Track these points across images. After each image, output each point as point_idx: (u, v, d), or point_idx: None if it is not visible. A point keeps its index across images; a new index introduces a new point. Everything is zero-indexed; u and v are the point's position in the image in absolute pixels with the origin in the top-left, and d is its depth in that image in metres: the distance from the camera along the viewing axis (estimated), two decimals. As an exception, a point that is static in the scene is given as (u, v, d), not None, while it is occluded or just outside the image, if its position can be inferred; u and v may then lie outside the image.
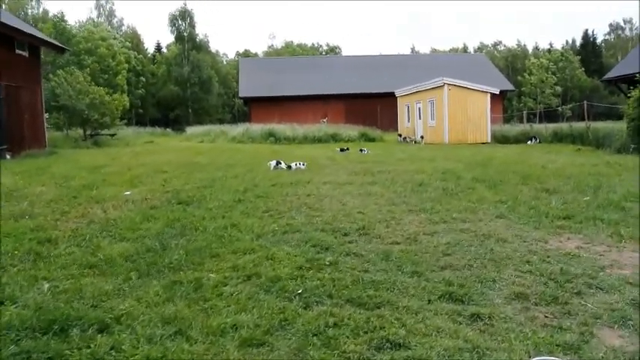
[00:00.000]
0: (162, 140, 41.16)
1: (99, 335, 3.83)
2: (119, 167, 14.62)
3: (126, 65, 53.68)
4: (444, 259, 5.14)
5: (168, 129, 55.40)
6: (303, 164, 13.60)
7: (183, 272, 5.18)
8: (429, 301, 4.11)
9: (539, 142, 26.55)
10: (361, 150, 20.76)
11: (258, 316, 3.95)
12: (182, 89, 62.47)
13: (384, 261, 5.14)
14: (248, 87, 48.08)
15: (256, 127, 36.20)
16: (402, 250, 5.44)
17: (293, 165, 13.59)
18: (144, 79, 63.61)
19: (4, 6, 47.76)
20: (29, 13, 54.35)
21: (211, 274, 5.02)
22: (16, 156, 20.36)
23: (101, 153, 23.02)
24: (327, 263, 5.12)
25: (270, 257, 5.42)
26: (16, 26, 20.72)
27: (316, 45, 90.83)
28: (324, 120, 43.25)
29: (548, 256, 5.19)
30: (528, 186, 9.46)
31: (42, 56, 42.85)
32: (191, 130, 44.76)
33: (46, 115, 31.69)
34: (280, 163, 13.73)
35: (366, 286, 4.47)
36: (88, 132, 31.96)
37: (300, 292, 4.38)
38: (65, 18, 50.03)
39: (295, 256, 5.41)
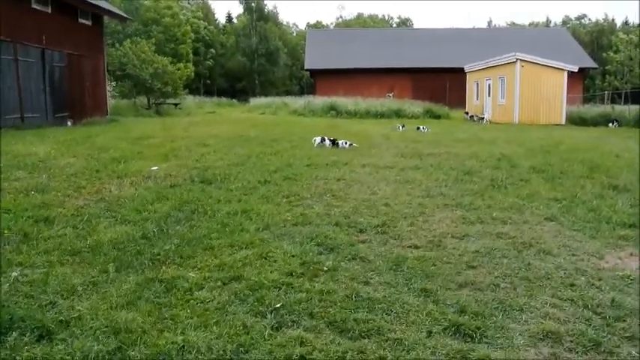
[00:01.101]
0: (225, 111, 41.43)
1: (36, 344, 3.30)
2: (164, 138, 14.37)
3: (192, 35, 53.86)
4: (466, 274, 4.23)
5: (234, 99, 55.75)
6: (349, 143, 12.75)
7: (165, 267, 4.60)
8: (430, 333, 3.26)
9: (620, 125, 24.17)
10: (419, 128, 19.58)
11: (217, 336, 3.27)
12: (249, 60, 62.37)
13: (393, 271, 4.30)
14: (314, 59, 47.05)
15: (319, 100, 35.49)
16: (419, 258, 4.56)
17: (340, 142, 12.79)
18: (213, 50, 63.96)
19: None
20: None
21: (191, 274, 4.39)
22: (77, 123, 20.79)
23: (158, 122, 23.13)
24: (325, 269, 4.35)
25: (265, 256, 4.72)
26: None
27: (387, 17, 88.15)
28: (390, 95, 41.81)
29: (600, 279, 4.15)
30: (594, 180, 8.17)
31: (110, 25, 43.99)
32: (255, 101, 44.62)
33: (113, 84, 32.48)
34: (325, 140, 12.95)
35: (359, 304, 3.66)
36: (152, 101, 32.41)
37: (278, 306, 3.65)
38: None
39: (293, 256, 4.67)
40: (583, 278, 4.15)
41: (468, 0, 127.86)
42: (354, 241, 5.07)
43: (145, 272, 4.48)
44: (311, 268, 4.37)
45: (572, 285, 4.01)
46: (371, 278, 4.16)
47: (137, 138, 14.20)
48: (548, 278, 4.14)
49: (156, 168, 9.28)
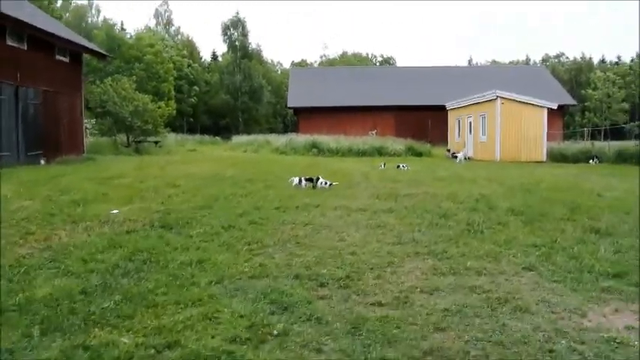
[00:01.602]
0: (206, 149, 41.02)
1: None
2: (134, 178, 13.86)
3: (175, 73, 53.99)
4: (433, 338, 3.74)
5: (217, 137, 55.53)
6: (328, 183, 12.35)
7: (98, 329, 4.06)
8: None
9: (601, 161, 24.14)
10: (399, 166, 19.35)
11: None
12: (233, 97, 62.54)
13: (351, 335, 3.80)
14: (297, 97, 47.29)
15: (301, 138, 35.45)
16: (382, 318, 4.07)
17: (320, 182, 12.39)
18: (197, 88, 64.14)
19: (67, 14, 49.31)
20: (89, 22, 55.98)
21: (124, 339, 3.85)
22: (50, 161, 20.20)
23: (135, 161, 22.62)
24: (275, 333, 3.84)
25: (211, 316, 4.20)
26: (54, 32, 20.61)
27: (371, 56, 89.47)
28: (373, 132, 41.88)
29: (583, 342, 3.68)
30: (575, 222, 7.79)
31: (91, 62, 43.70)
32: (237, 139, 44.51)
33: (92, 121, 32.04)
34: (302, 181, 12.57)
35: (306, 380, 3.15)
36: (132, 138, 31.95)
37: (212, 384, 3.13)
38: (116, 24, 51.12)
39: (241, 316, 4.15)
40: (564, 342, 3.68)
41: (450, 39, 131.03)
42: (312, 298, 4.57)
43: (73, 336, 3.93)
44: (259, 332, 3.85)
45: (551, 351, 3.54)
46: (325, 344, 3.66)
47: (107, 178, 13.67)
48: (525, 342, 3.67)
49: (116, 211, 8.75)
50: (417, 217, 8.19)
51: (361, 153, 31.08)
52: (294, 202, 9.84)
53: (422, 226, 7.47)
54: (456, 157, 25.33)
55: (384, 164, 20.33)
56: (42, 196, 10.09)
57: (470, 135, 30.64)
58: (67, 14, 54.53)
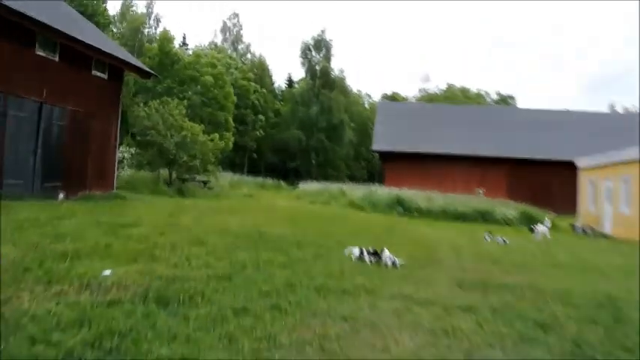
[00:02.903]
0: (266, 195, 41.35)
1: None
2: (153, 228, 13.74)
3: (235, 98, 55.26)
4: None
5: (282, 181, 55.94)
6: (391, 260, 11.60)
7: None
8: None
9: None
10: (504, 241, 18.63)
11: None
12: (307, 134, 63.14)
13: None
14: (385, 138, 46.91)
15: (383, 192, 34.85)
16: None
17: (385, 257, 11.68)
18: (263, 118, 65.42)
19: (117, 26, 52.46)
20: (145, 33, 59.02)
21: None
22: (70, 196, 20.76)
23: (169, 204, 22.87)
24: None
25: None
26: (92, 43, 21.58)
27: (484, 92, 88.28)
28: (480, 191, 40.57)
29: None
30: None
31: (139, 81, 45.89)
32: (307, 185, 44.52)
33: (132, 150, 33.10)
34: (363, 253, 11.91)
35: None
36: (175, 176, 32.64)
37: None
38: (175, 38, 53.28)
39: None
40: None
41: (586, 76, 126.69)
42: None
43: None
44: None
45: None
46: None
47: (121, 225, 13.63)
48: None
49: (108, 273, 8.43)
50: (504, 325, 7.22)
51: (459, 217, 30.07)
52: (342, 283, 9.18)
53: (507, 341, 6.51)
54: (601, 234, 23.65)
55: (490, 235, 19.73)
56: (29, 242, 10.04)
57: (608, 204, 28.71)
58: (123, 23, 57.83)
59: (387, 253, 11.73)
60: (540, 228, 22.71)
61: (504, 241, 18.84)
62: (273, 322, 6.73)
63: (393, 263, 11.51)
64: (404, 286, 9.31)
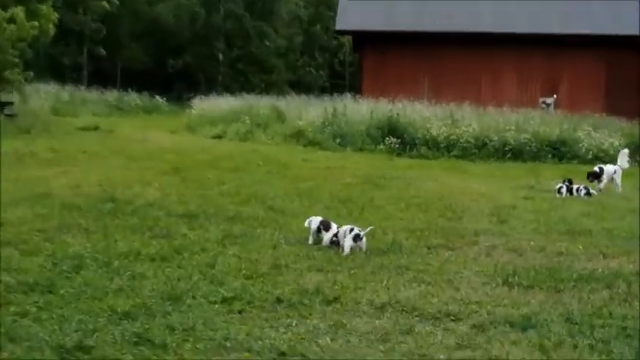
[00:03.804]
0: (129, 125, 25.78)
1: None
2: None
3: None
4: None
5: (160, 98, 35.73)
6: (357, 235, 6.81)
7: None
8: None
9: None
10: (587, 192, 11.79)
11: None
12: (206, 4, 39.49)
13: None
14: (361, 8, 25.86)
15: (359, 109, 21.26)
16: None
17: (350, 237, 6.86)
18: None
19: None
20: None
21: None
22: None
23: None
24: None
25: None
26: None
27: None
28: (549, 101, 24.81)
29: None
30: None
31: None
32: (205, 104, 27.24)
33: None
34: (330, 230, 7.02)
35: None
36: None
37: None
38: None
39: None
40: None
41: None
42: None
43: None
44: None
45: None
46: None
47: None
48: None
49: None
50: None
51: (510, 154, 18.36)
52: (280, 285, 5.63)
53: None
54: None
55: (568, 185, 11.85)
56: None
57: None
58: None
59: (354, 230, 6.90)
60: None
61: (587, 191, 11.65)
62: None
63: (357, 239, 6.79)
64: (405, 289, 5.65)
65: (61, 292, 5.04)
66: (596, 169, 12.90)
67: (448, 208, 9.81)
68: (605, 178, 12.59)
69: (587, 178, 12.66)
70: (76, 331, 4.26)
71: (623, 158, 13.36)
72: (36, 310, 4.60)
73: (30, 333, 4.19)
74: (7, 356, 3.85)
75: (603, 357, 4.24)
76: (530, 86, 25.32)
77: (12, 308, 4.60)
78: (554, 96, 24.74)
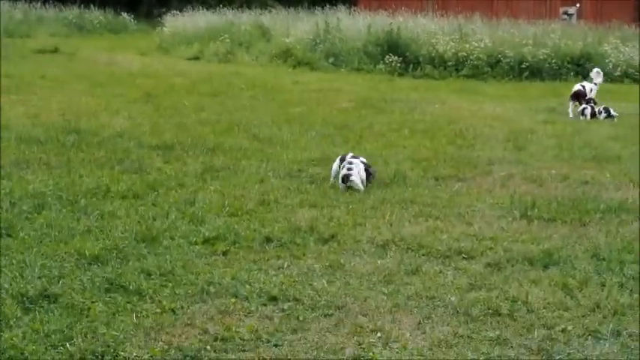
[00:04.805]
0: (93, 46, 23.92)
1: None
2: None
3: None
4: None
5: (127, 15, 32.61)
6: (355, 173, 6.49)
7: None
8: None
9: None
10: (609, 114, 11.40)
11: None
12: None
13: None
14: None
15: (355, 24, 20.25)
16: None
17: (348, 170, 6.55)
18: None
19: None
20: None
21: None
22: None
23: None
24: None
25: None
26: None
27: None
28: (572, 10, 23.02)
29: None
30: None
31: None
32: (179, 21, 25.34)
33: None
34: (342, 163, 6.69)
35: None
36: None
37: None
38: None
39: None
40: None
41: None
42: None
43: None
44: None
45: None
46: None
47: None
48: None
49: None
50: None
51: (528, 71, 17.18)
52: (269, 223, 5.55)
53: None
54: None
55: (592, 107, 11.49)
56: None
57: None
58: None
59: (352, 159, 6.65)
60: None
61: (609, 113, 11.21)
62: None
63: (348, 180, 6.49)
64: (410, 224, 5.56)
65: (21, 235, 4.91)
66: (579, 87, 12.09)
67: (458, 135, 9.52)
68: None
69: (571, 99, 11.88)
70: (39, 277, 4.15)
71: (598, 76, 12.56)
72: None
73: None
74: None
75: (635, 296, 4.13)
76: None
77: None
78: (577, 5, 22.79)
